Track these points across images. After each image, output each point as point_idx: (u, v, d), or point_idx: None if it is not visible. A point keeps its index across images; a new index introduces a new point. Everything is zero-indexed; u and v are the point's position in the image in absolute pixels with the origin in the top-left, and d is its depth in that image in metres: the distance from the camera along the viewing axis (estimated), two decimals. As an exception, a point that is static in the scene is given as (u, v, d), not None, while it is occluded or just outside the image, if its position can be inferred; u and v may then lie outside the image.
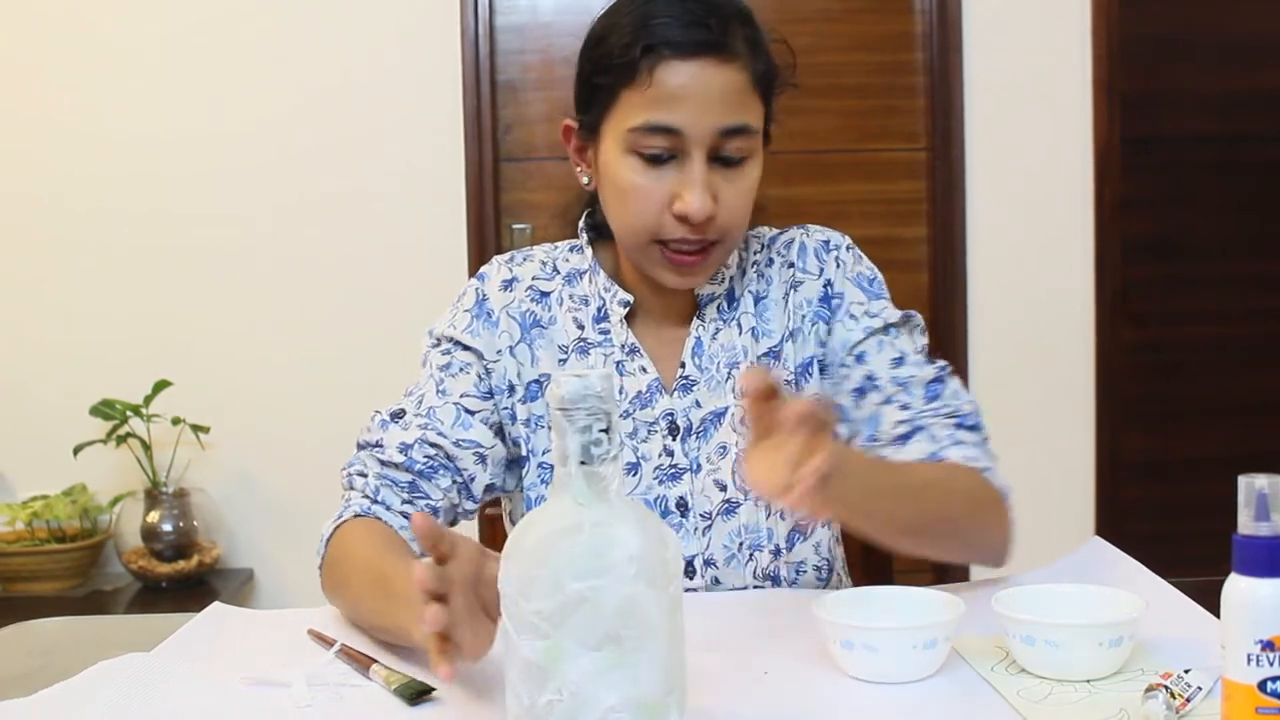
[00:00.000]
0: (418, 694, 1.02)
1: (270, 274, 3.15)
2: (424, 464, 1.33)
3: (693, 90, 1.26)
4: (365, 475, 1.34)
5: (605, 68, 1.30)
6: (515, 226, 3.18)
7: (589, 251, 1.42)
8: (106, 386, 3.00)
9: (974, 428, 1.35)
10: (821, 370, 1.40)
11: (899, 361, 1.36)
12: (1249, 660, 0.81)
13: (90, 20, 3.11)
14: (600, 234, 1.42)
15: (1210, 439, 3.28)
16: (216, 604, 1.31)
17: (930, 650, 1.02)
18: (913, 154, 3.23)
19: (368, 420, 1.38)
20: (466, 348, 1.38)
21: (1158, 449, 3.28)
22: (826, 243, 1.43)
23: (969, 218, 3.20)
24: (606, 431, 0.81)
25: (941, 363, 1.38)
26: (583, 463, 0.81)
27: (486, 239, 3.14)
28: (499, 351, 1.38)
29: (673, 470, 1.35)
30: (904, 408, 1.33)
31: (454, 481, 1.34)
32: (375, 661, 1.08)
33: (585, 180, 1.38)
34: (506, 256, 1.45)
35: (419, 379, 1.40)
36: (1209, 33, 3.22)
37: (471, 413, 1.35)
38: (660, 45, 1.26)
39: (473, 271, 3.15)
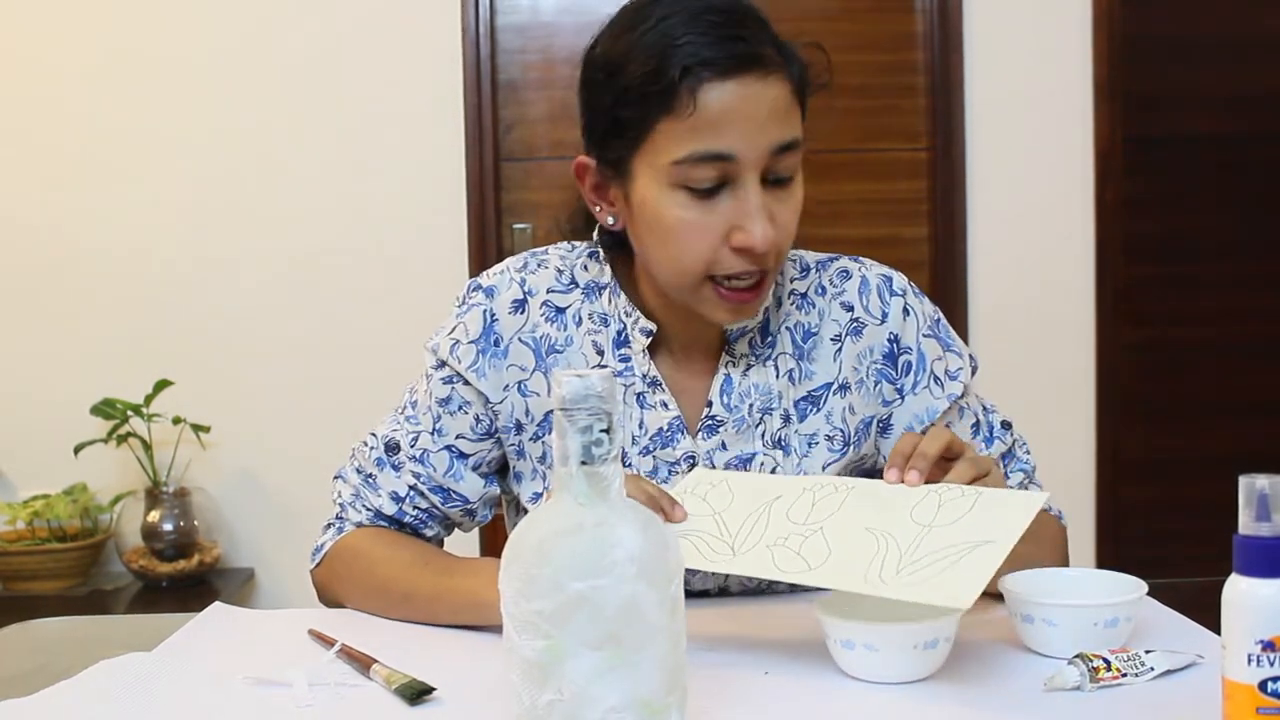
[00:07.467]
0: (418, 694, 1.02)
1: (270, 273, 3.15)
2: (414, 516, 1.34)
3: (741, 111, 1.15)
4: (359, 511, 1.35)
5: (631, 98, 1.16)
6: (516, 226, 3.18)
7: (608, 269, 1.31)
8: (107, 386, 3.00)
9: (1033, 470, 1.37)
10: (883, 431, 1.33)
11: (976, 429, 1.34)
12: (1249, 660, 0.81)
13: (93, 22, 3.11)
14: (621, 247, 1.30)
15: (1210, 439, 3.28)
16: (216, 604, 1.31)
17: (930, 650, 1.02)
18: (914, 154, 3.23)
19: (364, 439, 1.36)
20: (469, 384, 1.30)
21: (1158, 448, 3.28)
22: (889, 281, 1.35)
23: (969, 218, 3.20)
24: (608, 431, 0.82)
25: (1003, 418, 1.37)
26: (584, 463, 0.81)
27: (487, 239, 3.14)
28: (505, 388, 1.30)
29: None
30: None
31: (443, 526, 1.37)
32: (375, 661, 1.08)
33: (610, 220, 1.26)
34: (519, 263, 1.33)
35: (418, 392, 1.34)
36: (1210, 32, 3.22)
37: (465, 456, 1.31)
38: (698, 66, 1.13)
39: (474, 272, 3.19)
